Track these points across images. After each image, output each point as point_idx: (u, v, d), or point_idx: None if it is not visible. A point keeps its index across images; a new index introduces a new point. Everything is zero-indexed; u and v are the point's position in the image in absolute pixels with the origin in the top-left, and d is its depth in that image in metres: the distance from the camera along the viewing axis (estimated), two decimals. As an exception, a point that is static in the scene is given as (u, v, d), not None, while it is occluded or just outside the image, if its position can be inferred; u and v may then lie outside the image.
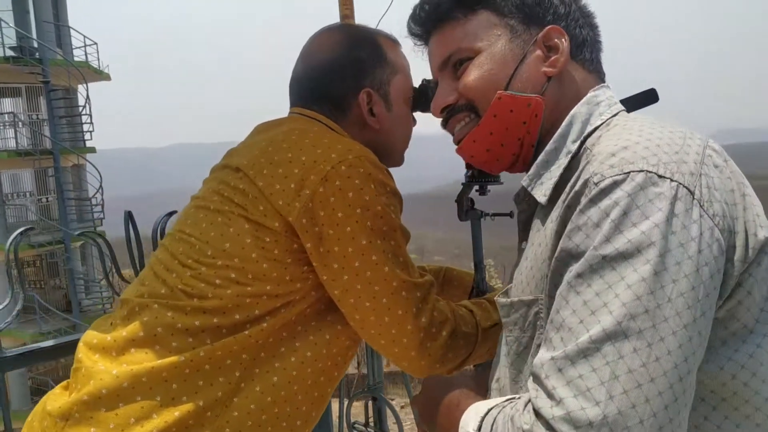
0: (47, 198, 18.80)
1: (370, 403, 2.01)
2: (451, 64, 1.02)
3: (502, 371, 1.00)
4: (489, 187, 1.61)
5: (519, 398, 0.82)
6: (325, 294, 1.21)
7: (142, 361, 1.11)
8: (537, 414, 0.74)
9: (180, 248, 1.21)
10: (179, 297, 1.15)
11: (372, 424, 2.00)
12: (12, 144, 18.01)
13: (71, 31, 18.87)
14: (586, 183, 0.79)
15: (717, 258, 0.76)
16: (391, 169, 1.30)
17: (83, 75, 17.14)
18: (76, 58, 18.39)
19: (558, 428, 0.70)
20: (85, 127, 18.03)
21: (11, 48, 16.90)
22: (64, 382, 1.25)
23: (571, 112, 0.94)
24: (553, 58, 0.96)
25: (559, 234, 0.83)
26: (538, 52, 0.97)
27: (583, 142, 0.91)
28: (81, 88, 17.83)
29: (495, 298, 0.99)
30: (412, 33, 1.09)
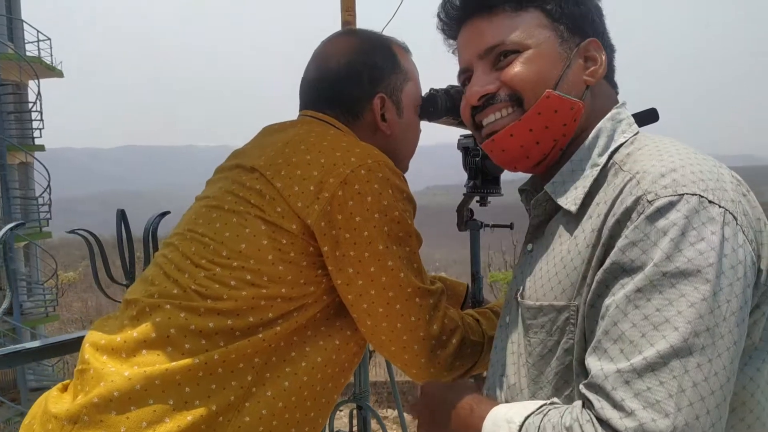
0: (-9, 196, 18.10)
1: (354, 412, 1.99)
2: (495, 54, 1.01)
3: (513, 369, 1.01)
4: (489, 198, 1.63)
5: (562, 406, 0.84)
6: (335, 299, 1.20)
7: (155, 362, 1.07)
8: (602, 423, 0.76)
9: (192, 248, 1.18)
10: (193, 298, 1.12)
11: (356, 433, 1.98)
12: (-44, 138, 17.31)
13: (24, 24, 18.30)
14: (638, 200, 0.83)
15: (751, 280, 0.82)
16: None
17: (35, 70, 16.63)
18: (28, 53, 17.84)
19: None
20: (35, 124, 17.46)
21: (-41, 39, 16.30)
22: (61, 384, 1.20)
23: (598, 125, 0.99)
24: (592, 68, 1.01)
25: (595, 246, 0.88)
26: (579, 60, 1.01)
27: (609, 157, 0.96)
28: (32, 83, 17.32)
29: (519, 299, 1.00)
30: (446, 16, 1.08)
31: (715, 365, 0.75)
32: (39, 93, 17.07)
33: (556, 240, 0.98)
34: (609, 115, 1.00)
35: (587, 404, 0.80)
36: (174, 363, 1.07)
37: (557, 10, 1.00)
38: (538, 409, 0.85)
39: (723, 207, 0.81)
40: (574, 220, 0.95)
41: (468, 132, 1.63)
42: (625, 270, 0.82)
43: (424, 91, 1.47)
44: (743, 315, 0.79)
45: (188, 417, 1.05)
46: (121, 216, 1.83)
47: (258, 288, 1.12)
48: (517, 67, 0.99)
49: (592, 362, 0.81)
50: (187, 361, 1.07)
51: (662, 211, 0.81)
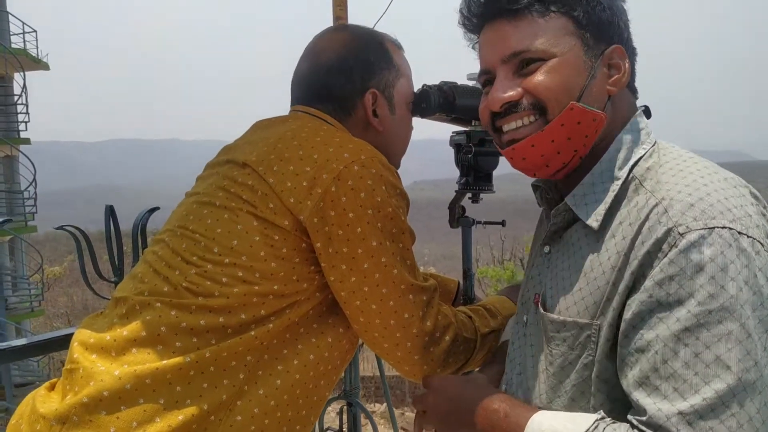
0: (-25, 189, 17.92)
1: (344, 408, 1.99)
2: (519, 60, 0.99)
3: (531, 371, 1.03)
4: (481, 195, 1.63)
5: (615, 423, 0.87)
6: (328, 296, 1.19)
7: (145, 361, 1.06)
8: None
9: (183, 244, 1.17)
10: (184, 295, 1.11)
11: (346, 430, 1.97)
12: (-61, 131, 17.11)
13: (9, 16, 18.09)
14: (669, 232, 0.86)
15: None
16: None
17: (20, 63, 16.46)
18: (13, 45, 17.64)
19: None
20: (21, 117, 17.30)
21: (-57, 31, 16.09)
22: (49, 382, 1.19)
23: (618, 137, 1.00)
24: (615, 77, 0.99)
25: (622, 270, 0.90)
26: (603, 69, 0.99)
27: (629, 170, 0.97)
28: (17, 76, 17.13)
29: (542, 310, 1.01)
30: (466, 14, 1.05)
31: (765, 395, 0.81)
32: (24, 86, 16.95)
33: (578, 252, 0.99)
34: (628, 125, 1.01)
35: None
36: (165, 362, 1.06)
37: (584, 16, 0.98)
38: (592, 427, 0.87)
39: (751, 236, 0.85)
40: (595, 235, 0.97)
41: (460, 129, 1.62)
42: (662, 304, 0.84)
43: (417, 87, 1.47)
44: None
45: (179, 416, 1.03)
46: (110, 212, 1.81)
47: (250, 285, 1.11)
48: (541, 76, 0.97)
49: (643, 399, 0.84)
50: (178, 359, 1.06)
51: (696, 245, 0.83)
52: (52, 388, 1.18)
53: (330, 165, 1.14)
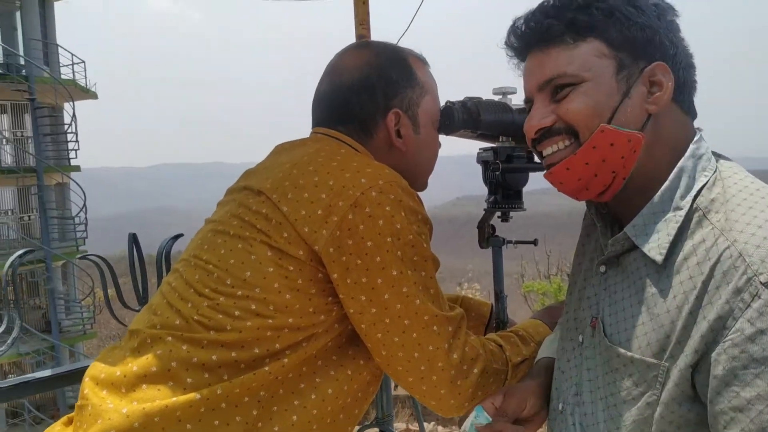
0: (29, 216, 18.51)
1: (378, 438, 1.92)
2: (552, 87, 1.00)
3: (589, 396, 1.02)
4: (511, 213, 1.56)
5: None
6: (347, 326, 1.14)
7: (155, 398, 1.02)
8: None
9: (196, 275, 1.13)
10: (195, 329, 1.07)
11: (380, 460, 1.90)
12: (-5, 161, 17.77)
13: (59, 48, 18.74)
14: (750, 281, 0.82)
15: None
16: None
17: (70, 93, 16.99)
18: (63, 76, 18.24)
19: None
20: (71, 146, 17.82)
21: (-3, 64, 16.75)
22: (65, 417, 1.16)
23: (679, 165, 0.97)
24: (656, 95, 0.97)
25: (693, 313, 0.87)
26: (642, 87, 0.97)
27: (692, 199, 0.94)
28: (67, 105, 17.69)
29: (610, 344, 0.98)
30: (510, 46, 1.07)
31: None
32: (74, 115, 17.45)
33: (638, 282, 0.97)
34: (689, 151, 0.97)
35: None
36: (175, 398, 1.01)
37: (618, 37, 0.96)
38: None
39: None
40: (656, 266, 0.94)
41: (487, 145, 1.56)
42: (756, 359, 0.82)
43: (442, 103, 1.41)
44: None
45: None
46: (133, 240, 1.79)
47: (264, 318, 1.06)
48: (571, 102, 0.98)
49: None
50: (188, 396, 1.02)
51: None
52: (69, 422, 1.15)
53: (346, 191, 1.09)
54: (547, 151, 1.03)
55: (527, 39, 1.03)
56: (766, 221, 0.87)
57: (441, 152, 1.43)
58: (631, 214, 1.00)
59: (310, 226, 1.07)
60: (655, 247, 0.94)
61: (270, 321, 1.06)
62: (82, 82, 19.03)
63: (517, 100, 1.53)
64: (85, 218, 17.98)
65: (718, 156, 1.00)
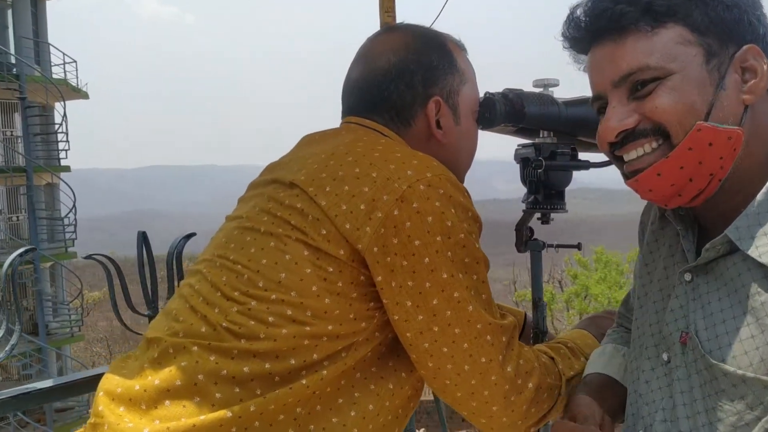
0: (17, 216, 18.26)
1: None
2: (631, 82, 0.87)
3: (686, 424, 0.88)
4: (552, 215, 1.45)
5: None
6: (388, 335, 1.03)
7: (180, 416, 0.90)
8: None
9: (223, 277, 1.01)
10: (224, 337, 0.95)
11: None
12: (-16, 161, 17.53)
13: (50, 47, 18.55)
14: None
15: None
16: None
17: (61, 92, 16.80)
18: (54, 76, 18.05)
19: None
20: (61, 146, 17.63)
21: (-12, 63, 16.53)
22: (74, 436, 1.04)
23: None
24: (751, 83, 0.86)
25: None
26: (735, 76, 0.86)
27: None
28: (58, 105, 17.50)
29: (714, 363, 0.85)
30: (569, 37, 0.95)
31: None
32: (65, 114, 17.27)
33: (741, 290, 0.85)
34: None
35: None
36: (203, 417, 0.90)
37: (703, 19, 0.85)
38: None
39: None
40: (764, 271, 0.83)
41: (526, 141, 1.45)
42: None
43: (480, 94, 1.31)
44: None
45: None
46: (143, 239, 1.67)
47: (300, 325, 0.95)
48: (659, 98, 0.85)
49: None
50: (218, 413, 0.90)
51: None
52: None
53: (391, 185, 0.97)
54: (630, 156, 0.90)
55: (593, 28, 0.90)
56: None
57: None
58: (721, 215, 0.89)
59: (351, 222, 0.96)
60: (767, 252, 0.82)
61: (307, 328, 0.95)
62: (73, 82, 18.85)
63: (559, 93, 1.43)
64: (75, 219, 17.77)
65: None
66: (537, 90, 1.41)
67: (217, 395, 0.92)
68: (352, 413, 0.98)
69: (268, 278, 0.97)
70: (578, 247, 1.48)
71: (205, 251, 1.13)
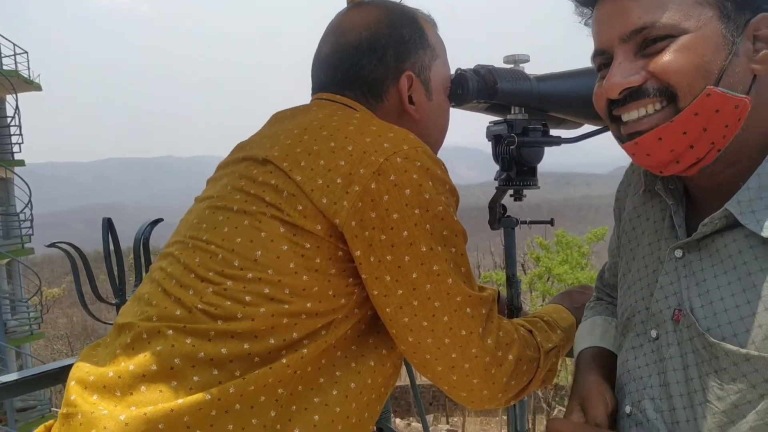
0: (-30, 213, 17.71)
1: (374, 435, 1.80)
2: (640, 38, 0.83)
3: (680, 401, 0.87)
4: (525, 191, 1.46)
5: None
6: (367, 312, 1.01)
7: (157, 401, 0.87)
8: None
9: (196, 258, 0.98)
10: (200, 319, 0.93)
11: (377, 458, 1.78)
12: (-68, 155, 16.91)
13: (0, 38, 17.96)
14: None
15: None
16: None
17: (12, 84, 16.28)
18: (5, 67, 17.48)
19: None
20: (14, 139, 17.11)
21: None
22: (43, 426, 1.00)
23: None
24: (763, 53, 0.82)
25: None
26: (748, 43, 0.82)
27: None
28: (10, 98, 16.97)
29: (714, 342, 0.83)
30: None
31: None
32: (17, 107, 16.76)
33: (741, 267, 0.82)
34: None
35: None
36: (181, 401, 0.87)
37: None
38: None
39: None
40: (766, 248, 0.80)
41: (497, 118, 1.45)
42: None
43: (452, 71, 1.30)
44: None
45: None
46: (108, 225, 1.62)
47: (278, 303, 0.93)
48: (670, 56, 0.81)
49: None
50: (196, 397, 0.87)
51: None
52: None
53: (368, 158, 0.96)
54: (630, 116, 0.86)
55: None
56: None
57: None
58: (714, 187, 0.87)
59: (328, 196, 0.94)
60: None
61: (286, 306, 0.93)
62: (25, 74, 18.30)
63: (530, 69, 1.43)
64: (31, 215, 17.28)
65: None
66: (508, 66, 1.40)
67: (195, 378, 0.89)
68: (334, 392, 0.97)
69: (243, 257, 0.95)
70: (551, 222, 1.49)
71: (176, 233, 1.10)
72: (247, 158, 1.06)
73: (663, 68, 0.81)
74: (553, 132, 1.45)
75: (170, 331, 0.92)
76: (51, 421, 1.01)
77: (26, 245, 17.43)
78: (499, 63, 1.41)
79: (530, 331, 1.14)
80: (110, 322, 1.10)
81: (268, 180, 0.99)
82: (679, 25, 0.81)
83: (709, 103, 0.80)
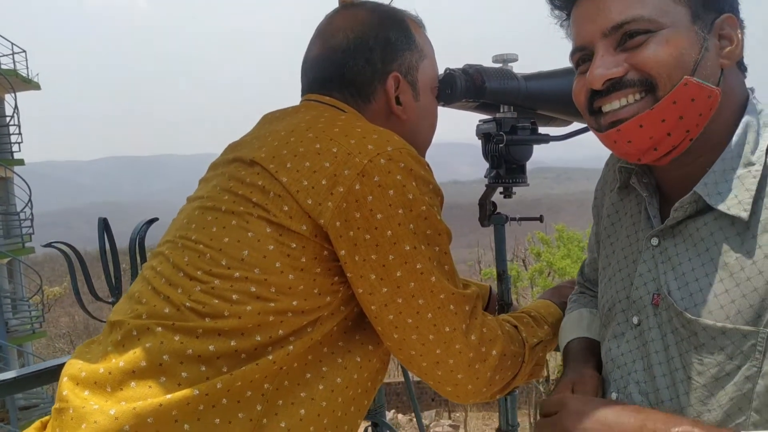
0: (-30, 212, 17.73)
1: (369, 429, 1.82)
2: (621, 33, 0.89)
3: (663, 382, 0.91)
4: (514, 189, 1.47)
5: None
6: (354, 309, 1.03)
7: (146, 396, 0.89)
8: None
9: (185, 257, 1.00)
10: (188, 317, 0.95)
11: (371, 453, 1.80)
12: (-68, 155, 16.93)
13: (-1, 37, 17.95)
14: None
15: None
16: None
17: (11, 84, 16.28)
18: (3, 66, 17.49)
19: None
20: (13, 138, 17.12)
21: (-67, 54, 15.94)
22: (39, 422, 1.03)
23: (744, 120, 0.90)
24: (728, 49, 0.90)
25: None
26: (715, 40, 0.89)
27: (765, 155, 0.88)
28: (8, 97, 16.98)
29: (692, 318, 0.88)
30: None
31: None
32: (16, 106, 16.76)
33: (712, 248, 0.88)
34: (749, 107, 0.92)
35: None
36: (169, 396, 0.89)
37: None
38: None
39: None
40: (736, 227, 0.86)
41: (487, 117, 1.47)
42: None
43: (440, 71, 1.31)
44: None
45: None
46: (104, 225, 1.64)
47: (265, 302, 0.95)
48: (650, 49, 0.87)
49: None
50: (184, 392, 0.89)
51: None
52: (43, 428, 1.02)
53: (352, 159, 0.98)
54: (612, 106, 0.91)
55: None
56: None
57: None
58: (684, 177, 0.92)
59: (313, 197, 0.96)
60: (736, 204, 0.85)
61: (272, 305, 0.95)
62: (24, 73, 18.29)
63: (518, 68, 1.45)
64: (31, 214, 17.30)
65: None
66: (496, 65, 1.42)
67: (183, 374, 0.91)
68: (321, 387, 0.99)
69: (230, 256, 0.97)
70: (540, 219, 1.51)
71: (167, 233, 1.12)
72: (236, 159, 1.08)
73: (644, 60, 0.87)
74: (542, 130, 1.47)
75: (159, 329, 0.94)
76: (47, 417, 1.03)
77: (27, 244, 17.45)
78: (489, 63, 1.43)
79: (515, 327, 1.16)
80: (105, 321, 1.12)
81: (255, 181, 1.00)
82: (658, 20, 0.87)
83: (686, 92, 0.86)
